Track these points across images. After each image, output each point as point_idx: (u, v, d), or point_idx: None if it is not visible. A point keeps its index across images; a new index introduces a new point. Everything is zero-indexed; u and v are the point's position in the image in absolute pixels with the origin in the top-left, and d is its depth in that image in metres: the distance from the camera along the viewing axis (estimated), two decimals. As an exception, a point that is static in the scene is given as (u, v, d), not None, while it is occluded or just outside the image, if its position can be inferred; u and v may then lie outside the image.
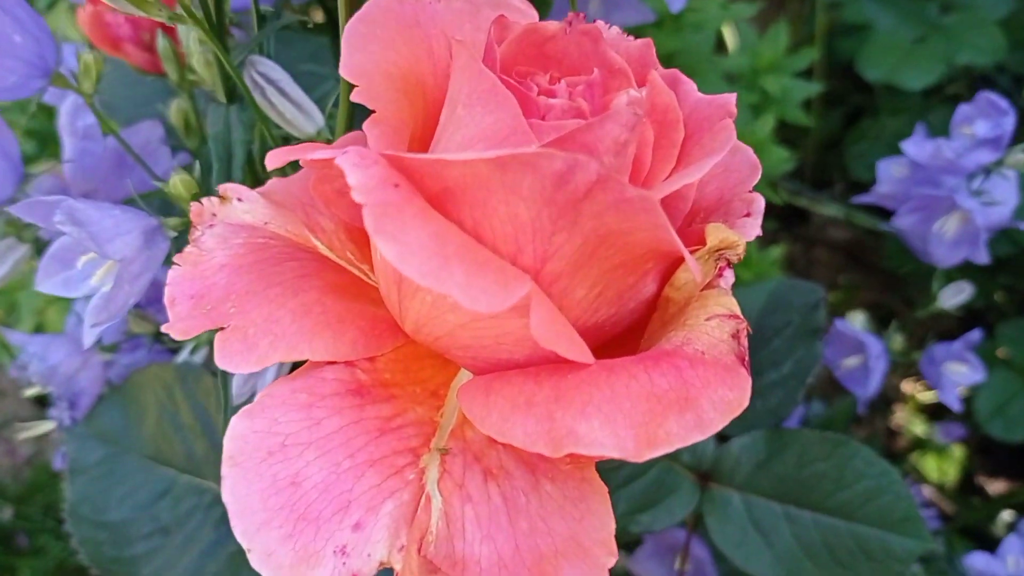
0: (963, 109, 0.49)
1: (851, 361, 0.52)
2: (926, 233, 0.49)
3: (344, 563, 0.16)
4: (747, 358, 0.17)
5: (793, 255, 1.21)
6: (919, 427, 1.03)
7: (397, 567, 0.17)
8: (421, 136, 0.20)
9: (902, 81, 0.77)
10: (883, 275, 1.09)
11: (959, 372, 0.52)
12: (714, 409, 0.16)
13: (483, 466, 0.18)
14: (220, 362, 0.18)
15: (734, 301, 0.18)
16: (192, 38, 0.31)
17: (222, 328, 0.18)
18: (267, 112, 0.26)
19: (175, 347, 0.39)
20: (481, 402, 0.17)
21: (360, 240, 0.22)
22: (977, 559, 0.49)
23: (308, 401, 0.18)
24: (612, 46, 0.19)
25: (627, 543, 0.49)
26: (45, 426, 0.39)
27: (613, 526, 0.18)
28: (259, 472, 0.17)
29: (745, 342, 0.17)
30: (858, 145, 0.94)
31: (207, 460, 0.34)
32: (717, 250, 0.18)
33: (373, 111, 0.18)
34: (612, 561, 0.18)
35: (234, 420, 0.17)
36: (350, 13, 0.20)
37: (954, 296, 0.53)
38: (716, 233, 0.18)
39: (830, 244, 1.21)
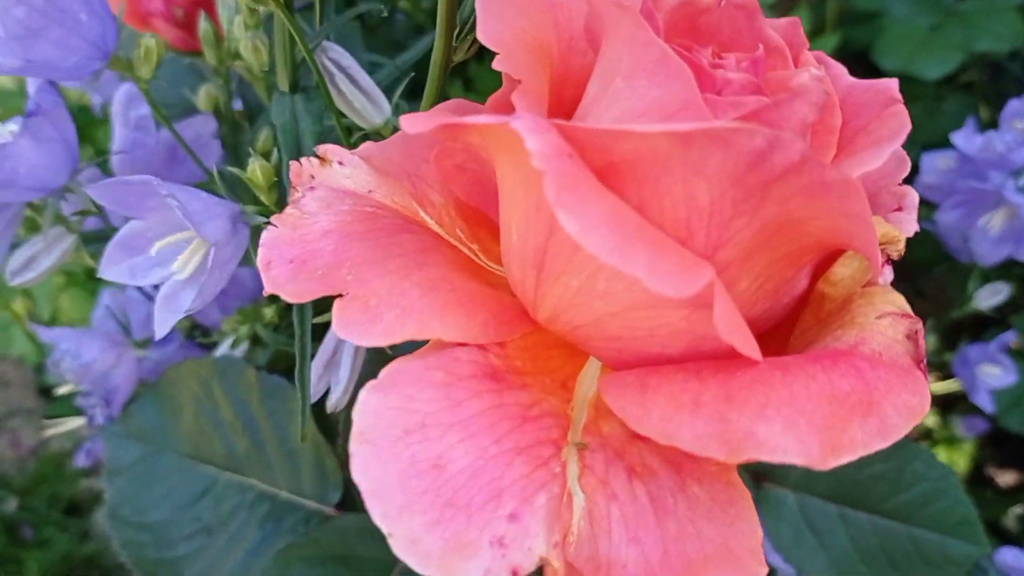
0: (1014, 104, 0.48)
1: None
2: (969, 228, 0.48)
3: (504, 555, 0.15)
4: (924, 361, 0.16)
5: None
6: (930, 418, 1.04)
7: (556, 565, 0.15)
8: (556, 102, 0.18)
9: (919, 71, 0.76)
10: (907, 274, 1.09)
11: (993, 374, 0.52)
12: (898, 414, 0.15)
13: (626, 463, 0.17)
14: (340, 332, 0.17)
15: (902, 299, 0.17)
16: (237, 23, 0.29)
17: (339, 296, 0.17)
18: (337, 101, 0.25)
19: (208, 343, 0.37)
20: (636, 400, 0.16)
21: (471, 219, 0.20)
22: (1007, 554, 0.48)
23: (446, 380, 0.16)
24: (765, 22, 0.18)
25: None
26: (74, 422, 0.38)
27: (761, 534, 0.17)
28: (395, 451, 0.16)
29: (923, 343, 0.16)
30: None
31: (249, 457, 0.33)
32: (884, 244, 0.17)
33: (516, 79, 0.17)
34: (764, 572, 0.16)
35: (363, 394, 0.16)
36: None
37: (990, 297, 0.52)
38: (885, 228, 0.17)
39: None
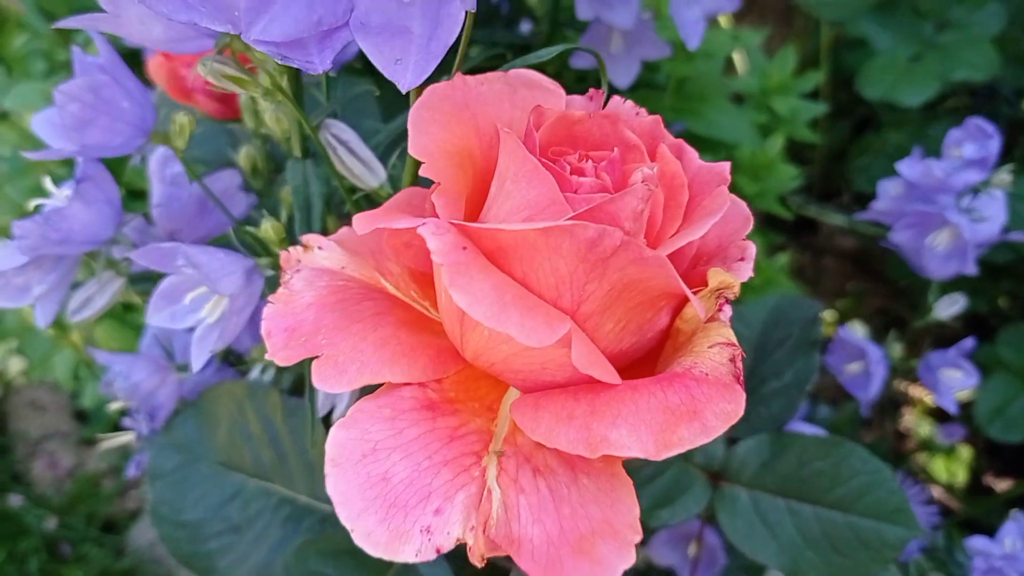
0: (954, 133, 0.53)
1: (853, 367, 0.56)
2: (920, 247, 0.53)
3: (429, 539, 0.21)
4: (742, 377, 0.21)
5: (802, 264, 1.25)
6: (927, 429, 1.07)
7: (470, 543, 0.21)
8: (473, 198, 0.24)
9: (900, 98, 0.81)
10: (889, 282, 1.13)
11: (954, 377, 0.56)
12: (716, 418, 0.20)
13: (532, 465, 0.22)
14: (317, 383, 0.23)
15: (731, 332, 0.22)
16: (260, 96, 0.35)
17: (317, 356, 0.23)
18: (338, 168, 0.31)
19: (242, 367, 0.43)
20: (531, 416, 0.21)
21: (421, 281, 0.26)
22: (977, 541, 0.53)
23: (391, 415, 0.22)
24: (627, 124, 0.24)
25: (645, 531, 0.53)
26: (124, 437, 0.44)
27: (638, 511, 0.22)
28: (356, 471, 0.22)
29: (740, 365, 0.21)
30: (861, 159, 0.98)
31: (273, 466, 0.39)
32: (717, 290, 0.23)
33: (436, 182, 0.23)
34: (638, 538, 0.22)
35: (333, 430, 0.22)
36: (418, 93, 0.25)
37: (948, 307, 0.57)
38: (716, 276, 0.22)
39: (838, 253, 1.25)
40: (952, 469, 1.06)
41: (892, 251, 0.66)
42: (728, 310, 0.23)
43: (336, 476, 0.21)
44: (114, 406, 0.42)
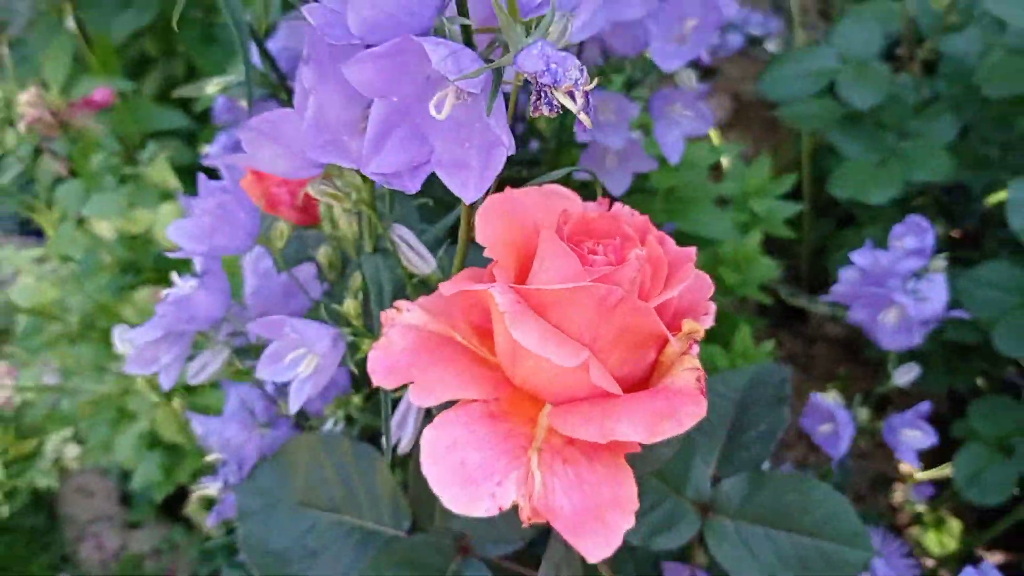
0: (897, 228, 0.65)
1: (825, 428, 0.66)
2: (874, 323, 0.64)
3: (494, 501, 0.31)
4: (705, 390, 0.32)
5: (794, 351, 1.36)
6: (919, 505, 1.15)
7: (521, 505, 0.31)
8: (519, 271, 0.35)
9: (866, 198, 0.93)
10: (874, 364, 1.23)
11: (914, 437, 0.66)
12: (687, 417, 0.31)
13: (562, 456, 0.33)
14: (415, 400, 0.33)
15: (698, 362, 0.33)
16: (338, 209, 0.47)
17: (412, 383, 0.34)
18: (403, 260, 0.42)
19: (310, 426, 0.54)
20: (563, 419, 0.32)
21: (480, 332, 0.37)
22: (969, 571, 0.60)
23: (467, 421, 0.33)
24: (626, 221, 0.35)
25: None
26: (214, 487, 0.54)
27: (636, 491, 0.33)
28: (443, 458, 0.32)
29: (704, 383, 0.32)
30: (839, 252, 1.10)
31: (344, 501, 0.49)
32: (688, 333, 0.33)
33: (495, 260, 0.34)
34: (635, 508, 0.32)
35: (426, 431, 0.32)
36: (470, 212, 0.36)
37: (905, 375, 0.67)
38: (688, 325, 0.33)
39: (828, 339, 1.35)
40: (944, 542, 1.13)
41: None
42: (696, 348, 0.34)
43: (430, 462, 0.32)
44: (209, 458, 0.52)
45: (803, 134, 1.20)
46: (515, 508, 0.32)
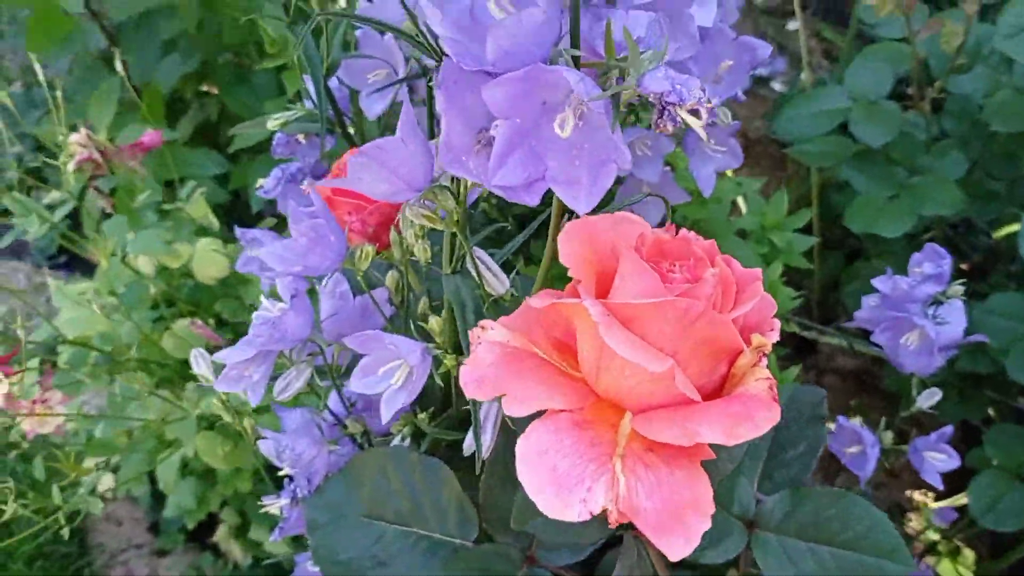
0: (915, 256, 0.69)
1: (853, 449, 0.69)
2: (896, 346, 0.67)
3: (584, 506, 0.34)
4: (777, 398, 0.35)
5: (807, 382, 1.39)
6: (934, 534, 1.18)
7: (609, 509, 0.34)
8: (598, 287, 0.39)
9: (880, 231, 0.97)
10: (886, 396, 1.26)
11: (938, 459, 0.69)
12: (762, 420, 0.34)
13: (643, 462, 0.36)
14: (508, 411, 0.36)
15: (768, 372, 0.36)
16: (411, 234, 0.50)
17: (504, 394, 0.37)
18: (483, 281, 0.45)
19: (379, 442, 0.56)
20: (647, 425, 0.35)
21: (560, 348, 0.40)
22: None
23: (555, 430, 0.36)
24: (695, 244, 0.39)
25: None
26: (278, 504, 0.57)
27: (711, 494, 0.35)
28: (535, 465, 0.35)
29: (776, 391, 0.35)
30: (852, 284, 1.13)
31: (411, 513, 0.51)
32: (757, 347, 0.37)
33: (575, 278, 0.37)
34: (712, 511, 0.35)
35: (520, 440, 0.35)
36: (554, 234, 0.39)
37: (928, 399, 0.71)
38: (756, 339, 0.36)
39: (839, 372, 1.39)
40: (959, 572, 1.16)
41: (890, 365, 0.80)
42: (764, 360, 0.37)
43: (524, 468, 0.35)
44: (283, 472, 0.55)
45: (812, 171, 1.25)
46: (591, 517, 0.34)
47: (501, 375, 0.38)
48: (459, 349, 0.48)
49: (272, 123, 0.63)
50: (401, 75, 0.62)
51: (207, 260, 0.92)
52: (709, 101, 0.32)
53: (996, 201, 1.06)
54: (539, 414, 0.37)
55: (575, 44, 0.35)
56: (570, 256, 0.38)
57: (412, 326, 0.47)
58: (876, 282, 0.69)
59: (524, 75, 0.32)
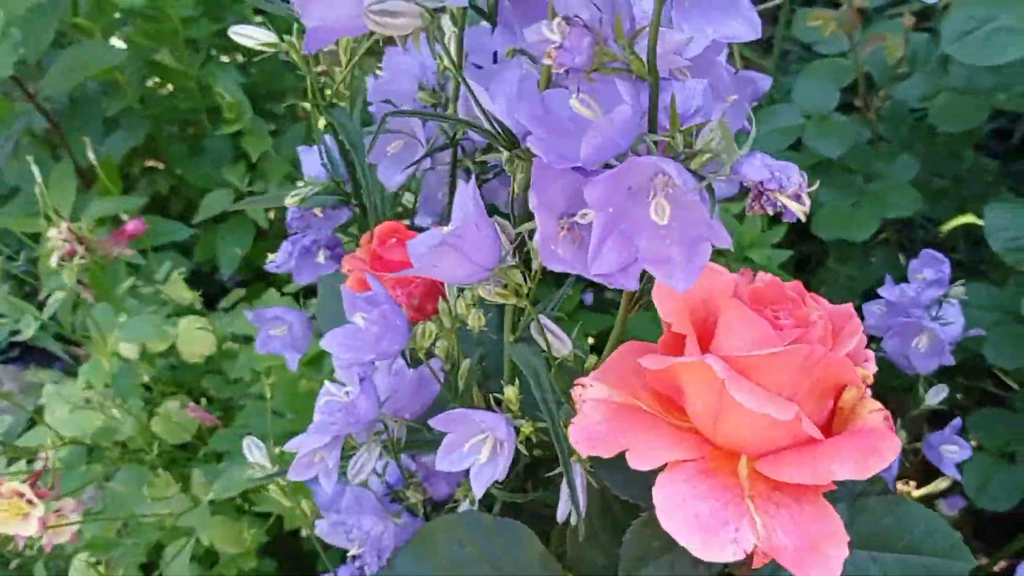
0: (915, 263, 0.73)
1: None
2: (907, 350, 0.71)
3: (737, 546, 0.35)
4: (894, 428, 0.37)
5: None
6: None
7: (758, 547, 0.35)
8: (700, 342, 0.40)
9: (849, 237, 1.02)
10: (878, 397, 1.30)
11: (952, 451, 0.73)
12: (888, 452, 0.36)
13: (773, 501, 0.37)
14: (633, 464, 0.37)
15: (878, 403, 0.38)
16: (461, 303, 0.50)
17: (628, 450, 0.38)
18: (551, 345, 0.46)
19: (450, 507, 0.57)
20: (775, 467, 0.37)
21: (661, 399, 0.41)
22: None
23: (686, 479, 0.37)
24: (786, 287, 0.40)
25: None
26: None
27: (842, 523, 0.37)
28: (676, 512, 0.36)
29: (891, 421, 0.37)
30: (817, 291, 1.18)
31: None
32: (863, 379, 0.39)
33: (679, 333, 0.39)
34: (847, 540, 0.37)
35: (655, 491, 0.36)
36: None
37: (935, 396, 0.74)
38: (860, 371, 0.38)
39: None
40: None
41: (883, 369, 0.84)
42: (869, 392, 0.39)
43: (666, 517, 0.36)
44: (352, 552, 0.54)
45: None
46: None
47: (616, 431, 0.39)
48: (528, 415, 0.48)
49: (289, 200, 0.63)
50: (423, 149, 0.61)
51: (193, 338, 0.90)
52: (809, 186, 0.33)
53: (945, 198, 1.12)
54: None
55: (652, 129, 0.36)
56: (671, 313, 0.39)
57: (489, 399, 0.48)
58: (882, 291, 0.72)
59: (623, 169, 0.33)
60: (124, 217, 0.97)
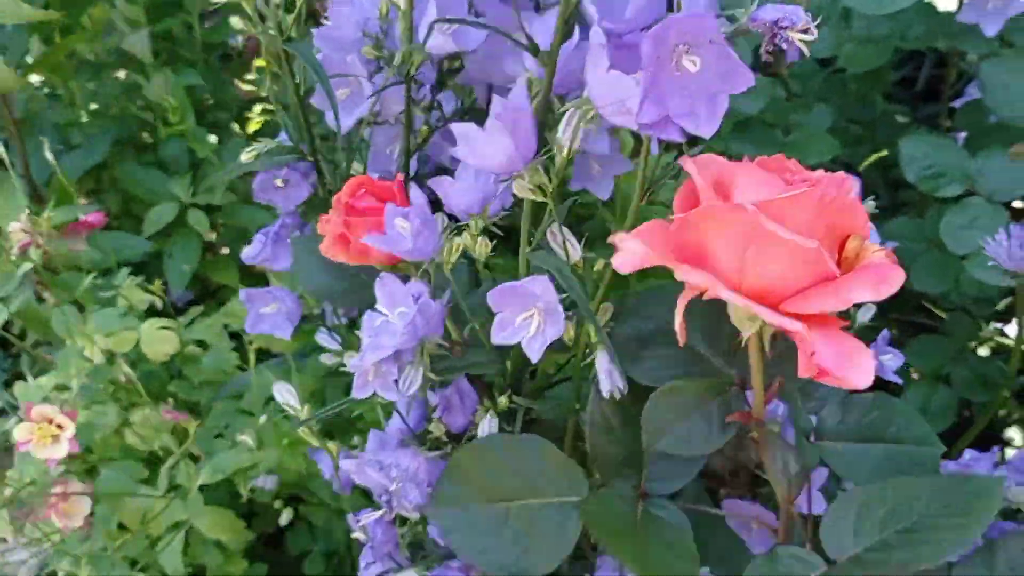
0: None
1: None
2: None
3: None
4: (896, 260, 0.42)
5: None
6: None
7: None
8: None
9: (776, 187, 1.09)
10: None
11: (889, 359, 0.78)
12: (895, 278, 0.40)
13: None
14: (680, 277, 0.41)
15: (877, 245, 0.43)
16: (468, 238, 0.54)
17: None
18: (567, 250, 0.51)
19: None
20: (804, 302, 0.41)
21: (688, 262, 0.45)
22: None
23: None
24: (785, 161, 0.45)
25: None
26: (375, 515, 0.58)
27: (860, 343, 0.42)
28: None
29: (893, 256, 0.42)
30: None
31: (526, 488, 0.55)
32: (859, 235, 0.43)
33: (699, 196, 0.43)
34: (874, 362, 0.41)
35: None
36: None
37: (867, 314, 0.80)
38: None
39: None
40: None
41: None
42: (867, 242, 0.44)
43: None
44: (392, 487, 0.56)
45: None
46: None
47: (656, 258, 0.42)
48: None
49: (245, 155, 0.64)
50: (368, 89, 0.64)
51: (156, 339, 0.90)
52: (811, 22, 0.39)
53: (861, 145, 1.21)
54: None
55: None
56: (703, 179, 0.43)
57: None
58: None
59: (659, 30, 0.40)
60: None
